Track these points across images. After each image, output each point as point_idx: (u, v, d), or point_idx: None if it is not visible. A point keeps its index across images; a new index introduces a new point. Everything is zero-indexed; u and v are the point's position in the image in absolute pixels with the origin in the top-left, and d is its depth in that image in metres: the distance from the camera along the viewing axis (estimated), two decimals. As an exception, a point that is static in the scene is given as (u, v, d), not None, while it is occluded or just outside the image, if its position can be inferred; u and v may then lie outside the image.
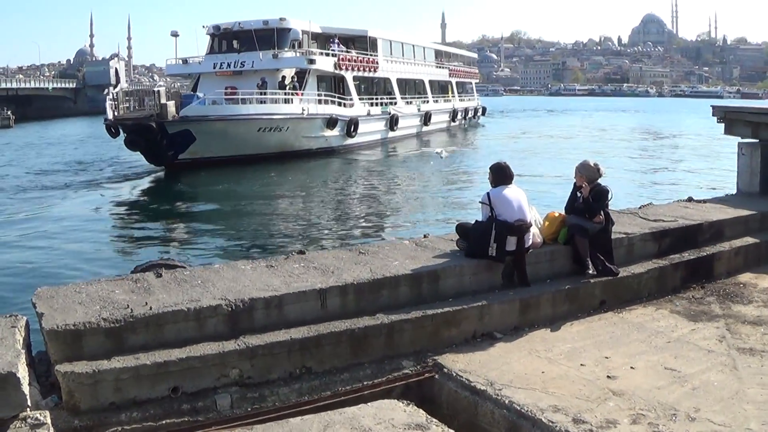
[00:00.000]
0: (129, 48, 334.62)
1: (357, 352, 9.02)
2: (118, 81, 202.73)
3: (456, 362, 9.20)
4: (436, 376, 9.01)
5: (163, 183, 47.72)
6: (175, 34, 62.85)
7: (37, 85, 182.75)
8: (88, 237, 28.33)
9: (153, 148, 48.39)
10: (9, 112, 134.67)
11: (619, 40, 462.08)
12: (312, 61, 58.79)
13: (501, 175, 11.16)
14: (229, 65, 58.78)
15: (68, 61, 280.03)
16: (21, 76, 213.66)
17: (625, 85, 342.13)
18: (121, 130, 49.30)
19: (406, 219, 30.81)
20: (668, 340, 10.17)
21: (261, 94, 53.93)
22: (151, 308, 8.20)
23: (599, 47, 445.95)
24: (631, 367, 9.14)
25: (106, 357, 7.71)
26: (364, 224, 30.36)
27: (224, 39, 62.09)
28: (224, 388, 8.09)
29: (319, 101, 58.77)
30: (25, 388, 6.93)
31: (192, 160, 48.95)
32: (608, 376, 8.84)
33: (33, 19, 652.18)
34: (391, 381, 8.87)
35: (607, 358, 9.45)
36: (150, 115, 48.64)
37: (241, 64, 58.27)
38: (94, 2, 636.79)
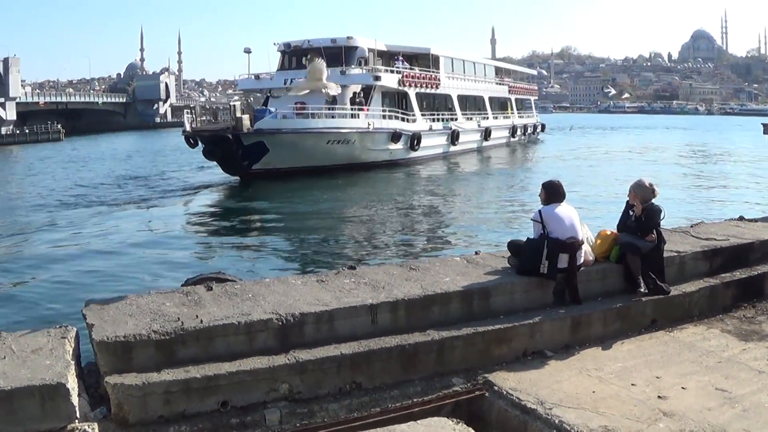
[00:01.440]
0: (179, 62, 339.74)
1: (407, 369, 8.87)
2: (168, 96, 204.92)
3: (506, 380, 9.00)
4: (487, 394, 8.80)
5: (237, 191, 49.78)
6: (247, 51, 65.87)
7: (87, 99, 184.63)
8: (141, 249, 28.47)
9: (229, 159, 51.45)
10: (59, 126, 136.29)
11: (669, 56, 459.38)
12: (378, 78, 61.50)
13: (553, 192, 11.02)
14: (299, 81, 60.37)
15: (118, 75, 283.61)
16: (71, 90, 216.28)
17: (674, 102, 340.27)
18: (199, 141, 52.58)
19: (458, 235, 30.60)
20: (719, 360, 9.91)
21: (329, 109, 56.35)
22: (201, 321, 8.12)
23: (649, 63, 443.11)
24: (682, 388, 8.89)
25: (156, 369, 7.63)
26: (416, 239, 30.31)
27: (294, 56, 64.94)
28: (273, 403, 7.97)
29: (384, 116, 61.32)
30: (75, 400, 6.88)
31: (265, 170, 51.97)
32: (659, 396, 8.60)
33: (83, 34, 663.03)
34: (441, 398, 8.68)
35: (657, 377, 9.20)
36: (226, 127, 52.64)
37: None
38: (144, 17, 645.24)
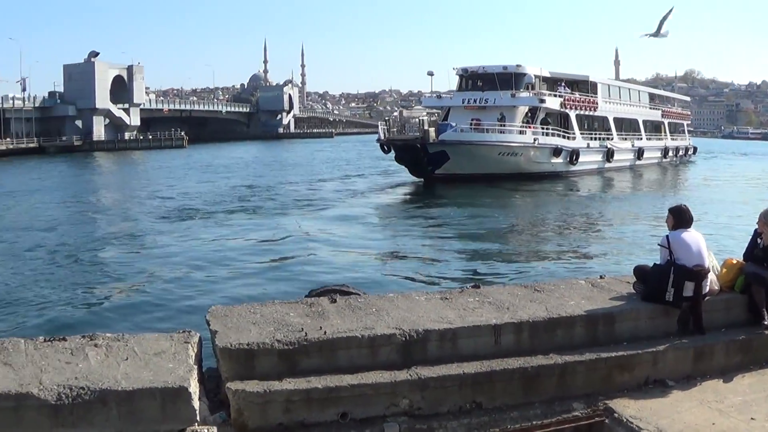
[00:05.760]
0: (302, 75, 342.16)
1: (528, 391, 8.45)
2: (291, 107, 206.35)
3: (627, 408, 8.50)
4: (606, 421, 8.32)
5: (421, 193, 58.34)
6: (430, 74, 78.13)
7: (211, 108, 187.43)
8: (268, 257, 28.59)
9: (416, 164, 61.87)
10: (183, 133, 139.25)
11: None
12: (542, 101, 68.71)
13: (681, 218, 10.41)
14: (475, 101, 68.71)
15: (242, 85, 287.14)
16: (195, 98, 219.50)
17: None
18: (392, 149, 62.91)
19: (588, 255, 30.05)
20: (841, 396, 9.21)
21: (501, 125, 64.44)
22: (325, 333, 7.90)
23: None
24: (802, 424, 8.21)
25: (278, 378, 7.45)
26: (544, 258, 29.86)
27: (470, 79, 72.30)
28: (393, 418, 7.67)
29: (547, 133, 68.43)
30: (195, 403, 6.76)
31: (445, 175, 60.55)
32: (778, 432, 7.95)
33: (208, 44, 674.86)
34: (561, 422, 8.23)
35: (778, 412, 8.55)
36: (415, 137, 62.33)
37: (484, 100, 67.93)
38: (268, 30, 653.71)
